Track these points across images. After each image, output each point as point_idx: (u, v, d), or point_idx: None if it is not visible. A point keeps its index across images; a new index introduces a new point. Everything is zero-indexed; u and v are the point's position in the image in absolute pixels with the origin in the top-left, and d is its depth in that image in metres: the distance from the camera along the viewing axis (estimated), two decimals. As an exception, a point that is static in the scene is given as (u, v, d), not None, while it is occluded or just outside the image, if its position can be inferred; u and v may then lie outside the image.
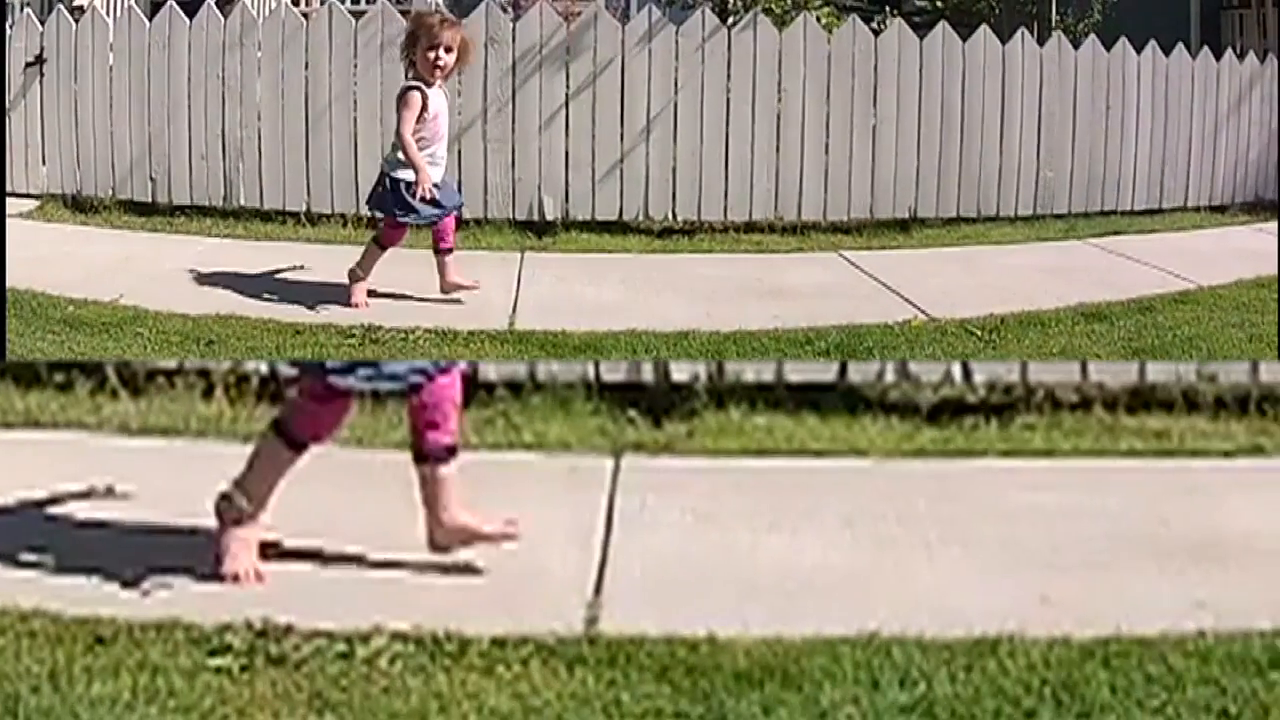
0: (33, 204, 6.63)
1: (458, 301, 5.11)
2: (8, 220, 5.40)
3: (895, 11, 10.85)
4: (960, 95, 7.11)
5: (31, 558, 3.11)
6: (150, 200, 6.69)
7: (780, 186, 6.90)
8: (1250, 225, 7.58)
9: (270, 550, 3.14)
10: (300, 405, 3.15)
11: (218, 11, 6.66)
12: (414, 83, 4.84)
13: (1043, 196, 7.37)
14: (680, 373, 4.23)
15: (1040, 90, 7.29)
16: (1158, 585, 3.18)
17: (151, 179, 6.69)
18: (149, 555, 3.13)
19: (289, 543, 3.19)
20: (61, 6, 7.24)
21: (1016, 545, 3.39)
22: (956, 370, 4.32)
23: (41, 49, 6.69)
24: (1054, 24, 10.08)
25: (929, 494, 3.70)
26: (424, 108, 4.81)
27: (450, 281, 5.12)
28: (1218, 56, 7.97)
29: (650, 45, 6.73)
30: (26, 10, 7.62)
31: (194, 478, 3.36)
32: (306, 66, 6.61)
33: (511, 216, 6.67)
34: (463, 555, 3.14)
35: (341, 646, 2.77)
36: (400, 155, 4.85)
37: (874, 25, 7.77)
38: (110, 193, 6.72)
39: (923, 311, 5.29)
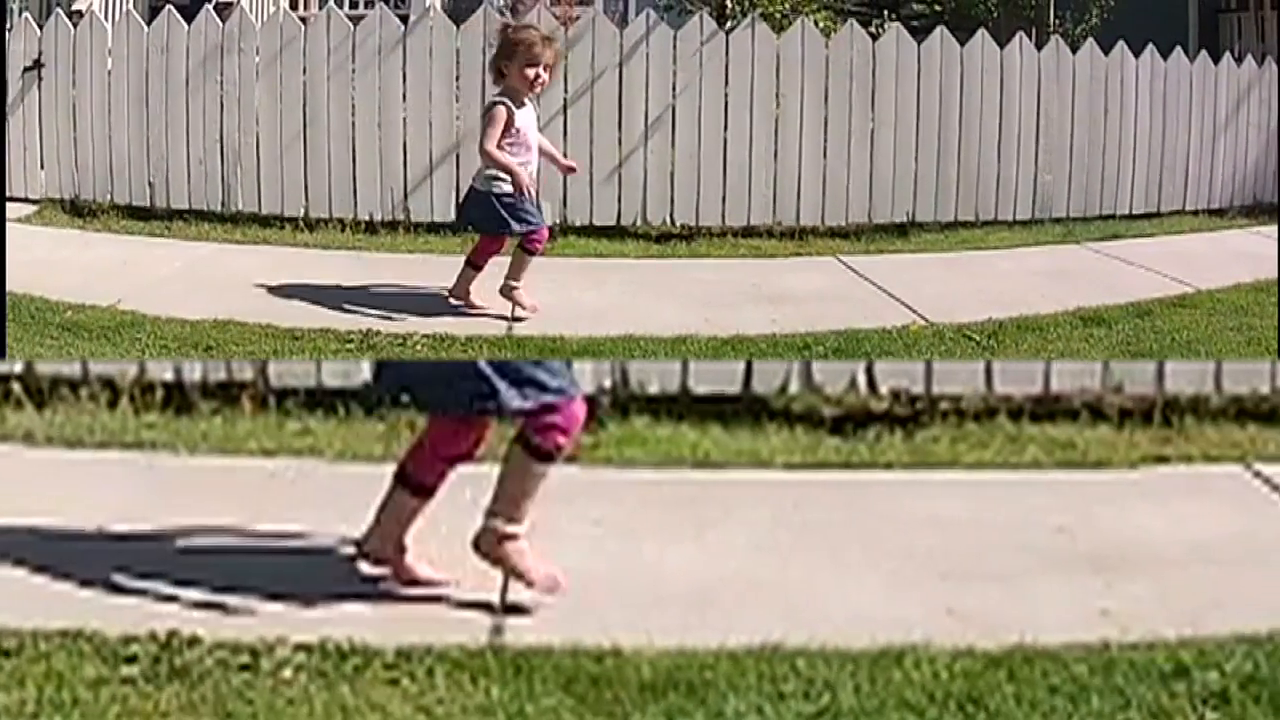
0: (31, 209, 6.64)
1: (461, 309, 5.12)
2: (6, 225, 5.39)
3: (893, 15, 10.86)
4: (958, 99, 7.11)
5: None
6: (148, 205, 6.69)
7: (778, 191, 6.90)
8: (1248, 228, 7.58)
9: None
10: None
11: (216, 16, 6.66)
12: (501, 99, 4.81)
13: (1041, 200, 7.36)
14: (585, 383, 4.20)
15: (1038, 94, 7.29)
16: (1062, 595, 3.18)
17: (150, 183, 6.69)
18: (57, 564, 3.13)
19: (194, 555, 3.19)
20: (60, 10, 7.24)
21: (921, 556, 3.39)
22: (861, 379, 4.29)
23: (40, 53, 6.69)
24: (1052, 28, 10.08)
25: (833, 505, 3.70)
26: (509, 122, 4.78)
27: (470, 298, 5.14)
28: (1216, 60, 7.97)
29: (648, 50, 6.73)
30: (25, 14, 7.62)
31: (102, 488, 3.35)
32: (304, 71, 6.61)
33: (510, 221, 6.67)
34: (362, 568, 3.14)
35: (245, 658, 2.75)
36: (490, 171, 4.84)
37: (872, 29, 7.75)
38: (108, 197, 6.72)
39: (921, 316, 5.28)
